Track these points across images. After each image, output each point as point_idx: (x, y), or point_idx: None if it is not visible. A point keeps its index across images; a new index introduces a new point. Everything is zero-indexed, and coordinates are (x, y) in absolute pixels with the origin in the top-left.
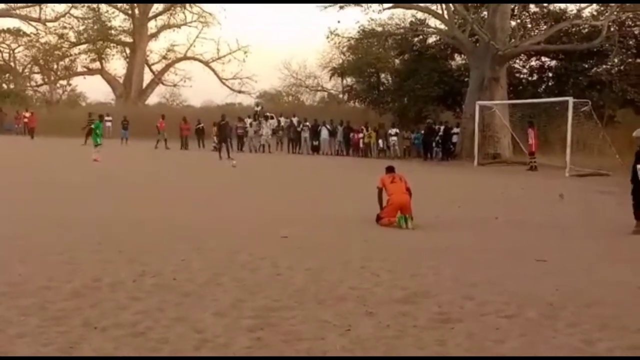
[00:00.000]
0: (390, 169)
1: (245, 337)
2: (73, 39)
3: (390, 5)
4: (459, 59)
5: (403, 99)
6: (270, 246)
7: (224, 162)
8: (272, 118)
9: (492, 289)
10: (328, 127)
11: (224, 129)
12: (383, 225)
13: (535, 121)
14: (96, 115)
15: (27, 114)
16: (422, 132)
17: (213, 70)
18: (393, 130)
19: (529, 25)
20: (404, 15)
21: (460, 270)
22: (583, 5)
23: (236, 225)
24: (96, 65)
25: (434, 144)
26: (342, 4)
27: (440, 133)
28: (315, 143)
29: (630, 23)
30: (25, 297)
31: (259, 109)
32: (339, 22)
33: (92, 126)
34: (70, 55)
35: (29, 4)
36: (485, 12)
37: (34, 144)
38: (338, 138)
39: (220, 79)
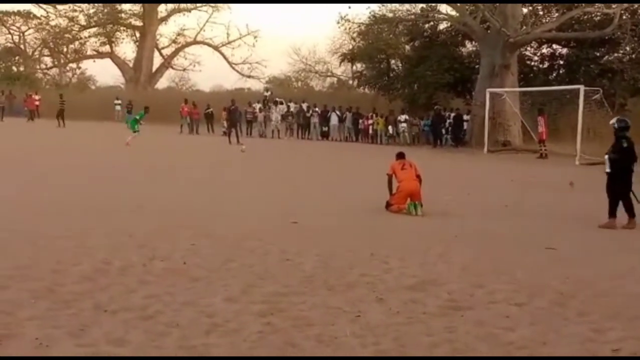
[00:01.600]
0: (400, 155)
1: (255, 322)
2: (83, 22)
3: None
4: (469, 46)
5: (413, 85)
6: (279, 232)
7: (233, 147)
8: (281, 103)
9: (501, 277)
10: (338, 113)
11: (233, 114)
12: (393, 212)
13: (545, 109)
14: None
15: (37, 97)
16: (430, 118)
17: (223, 54)
18: (403, 117)
19: (541, 13)
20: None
21: (469, 258)
22: None
23: (245, 211)
24: (106, 48)
25: (443, 131)
26: None
27: (450, 120)
28: (325, 129)
29: None
30: (35, 281)
31: (268, 94)
32: (349, 7)
33: (137, 116)
34: (80, 38)
35: None
36: None
37: (37, 127)
38: (347, 124)
39: (229, 63)
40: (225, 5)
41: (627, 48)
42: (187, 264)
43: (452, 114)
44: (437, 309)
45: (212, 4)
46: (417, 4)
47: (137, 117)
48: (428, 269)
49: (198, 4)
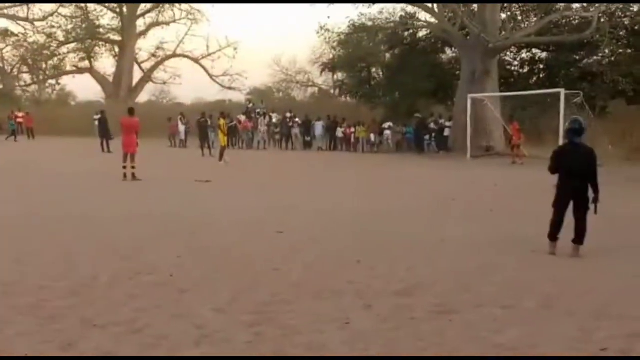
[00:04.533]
0: None
1: (244, 332)
2: (61, 38)
3: None
4: (449, 52)
5: (394, 93)
6: (266, 241)
7: (208, 159)
8: (264, 115)
9: (488, 280)
10: (322, 123)
11: (203, 127)
12: None
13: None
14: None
15: (21, 114)
16: (414, 127)
17: (203, 67)
18: (386, 125)
19: (519, 18)
20: (394, 10)
21: (456, 262)
22: None
23: (232, 221)
24: (85, 64)
25: (427, 138)
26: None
27: (434, 127)
28: (308, 139)
29: (620, 14)
30: (21, 297)
31: (250, 105)
32: (329, 17)
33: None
34: (59, 54)
35: (17, 4)
36: (476, 5)
37: (40, 145)
38: (320, 132)
39: (210, 75)
40: (204, 18)
41: (606, 51)
42: (173, 276)
43: (436, 123)
44: (425, 313)
45: (191, 17)
46: (396, 12)
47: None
48: (415, 273)
49: (177, 18)
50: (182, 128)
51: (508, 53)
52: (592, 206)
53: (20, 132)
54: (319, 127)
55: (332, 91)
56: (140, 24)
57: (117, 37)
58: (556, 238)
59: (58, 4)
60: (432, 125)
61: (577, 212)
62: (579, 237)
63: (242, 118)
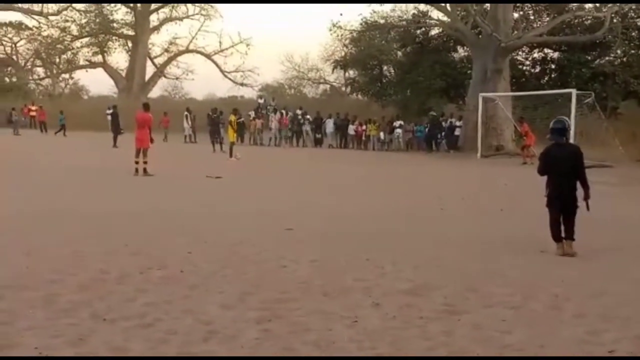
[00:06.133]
0: None
1: (253, 329)
2: (75, 32)
3: None
4: (461, 51)
5: (406, 91)
6: (274, 239)
7: (219, 154)
8: (275, 111)
9: (496, 280)
10: (334, 120)
11: (215, 123)
12: None
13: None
14: None
15: (34, 108)
16: (425, 124)
17: (215, 63)
18: (397, 123)
19: (532, 17)
20: (406, 8)
21: (464, 261)
22: None
23: (242, 218)
24: (98, 58)
25: (439, 136)
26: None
27: (446, 125)
28: (318, 136)
29: (633, 15)
30: (32, 290)
31: (262, 101)
32: (341, 14)
33: None
34: (73, 48)
35: None
36: (488, 4)
37: (52, 139)
38: (331, 129)
39: (222, 71)
40: (217, 14)
41: (618, 51)
42: (184, 271)
43: (448, 122)
44: (433, 313)
45: (204, 13)
46: (408, 10)
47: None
48: (423, 272)
49: (190, 13)
50: (186, 125)
51: (520, 52)
52: (582, 204)
53: (33, 125)
54: (330, 125)
55: (343, 88)
56: (154, 19)
57: (131, 32)
58: (561, 238)
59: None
60: (444, 124)
61: (566, 210)
62: (569, 233)
63: (252, 114)
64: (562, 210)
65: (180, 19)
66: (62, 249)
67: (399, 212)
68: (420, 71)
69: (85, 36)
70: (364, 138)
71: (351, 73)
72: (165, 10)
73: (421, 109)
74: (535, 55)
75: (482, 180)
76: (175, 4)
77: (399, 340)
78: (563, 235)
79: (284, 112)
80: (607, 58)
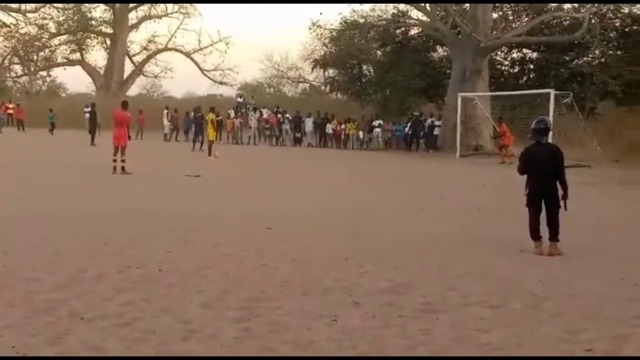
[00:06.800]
0: None
1: (232, 328)
2: (53, 30)
3: None
4: (440, 51)
5: (385, 90)
6: (254, 238)
7: (198, 153)
8: (254, 110)
9: (476, 279)
10: (313, 119)
11: (199, 123)
12: None
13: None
14: None
15: (12, 106)
16: (405, 124)
17: (194, 61)
18: (377, 122)
19: (511, 17)
20: (386, 7)
21: (443, 261)
22: None
23: (221, 216)
24: (76, 56)
25: (420, 135)
26: None
27: (428, 124)
28: (298, 135)
29: (611, 15)
30: (10, 289)
31: (241, 100)
32: (321, 13)
33: None
34: (50, 46)
35: None
36: (467, 4)
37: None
38: (310, 128)
39: (201, 70)
40: (196, 12)
41: (597, 52)
42: (162, 270)
43: (429, 121)
44: (413, 312)
45: (183, 11)
46: (388, 10)
47: None
48: (403, 272)
49: (169, 11)
50: (166, 123)
51: (499, 53)
52: (562, 203)
53: (10, 123)
54: (309, 124)
55: (323, 87)
56: (132, 17)
57: (109, 30)
58: (539, 237)
59: None
60: (426, 124)
61: (548, 210)
62: (553, 233)
63: (231, 113)
64: (545, 208)
65: (159, 17)
66: (40, 248)
67: (378, 211)
68: (400, 71)
69: (63, 34)
70: (343, 137)
71: (331, 72)
72: (144, 8)
73: (400, 109)
74: (514, 55)
75: (461, 180)
76: (154, 3)
77: (378, 339)
78: (547, 235)
79: (268, 110)
80: (585, 58)
